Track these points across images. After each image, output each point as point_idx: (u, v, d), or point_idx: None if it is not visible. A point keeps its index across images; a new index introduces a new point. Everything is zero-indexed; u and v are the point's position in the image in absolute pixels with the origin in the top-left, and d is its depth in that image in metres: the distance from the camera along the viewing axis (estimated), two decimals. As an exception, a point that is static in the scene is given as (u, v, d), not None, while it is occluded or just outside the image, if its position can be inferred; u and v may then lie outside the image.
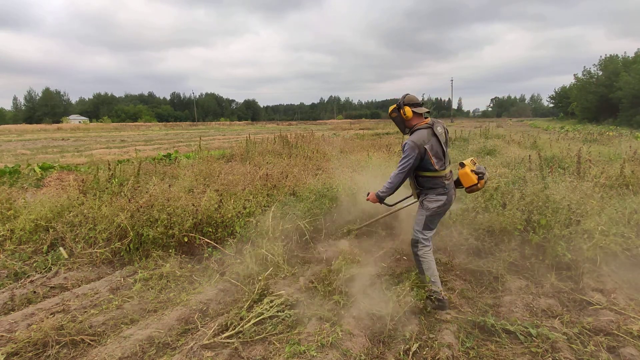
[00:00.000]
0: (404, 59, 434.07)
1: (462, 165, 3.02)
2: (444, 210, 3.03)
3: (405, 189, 3.41)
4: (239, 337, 2.49)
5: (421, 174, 2.96)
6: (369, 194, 3.23)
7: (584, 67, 56.37)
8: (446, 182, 2.96)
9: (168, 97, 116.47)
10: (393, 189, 3.01)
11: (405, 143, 2.88)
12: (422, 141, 2.82)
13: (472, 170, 2.99)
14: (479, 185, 2.99)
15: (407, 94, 2.99)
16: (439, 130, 2.92)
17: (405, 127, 3.03)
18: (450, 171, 3.06)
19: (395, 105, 3.03)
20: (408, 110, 2.93)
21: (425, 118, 3.01)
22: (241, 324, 2.60)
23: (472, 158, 3.17)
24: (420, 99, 3.05)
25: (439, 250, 3.98)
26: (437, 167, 2.87)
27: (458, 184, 3.10)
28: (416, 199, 3.17)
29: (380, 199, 3.10)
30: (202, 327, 2.66)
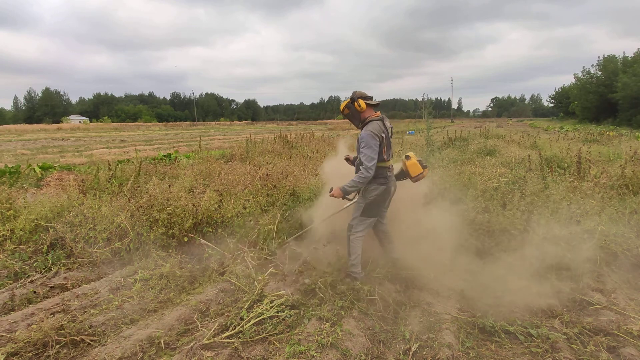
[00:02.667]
0: (406, 59, 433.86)
1: (408, 157, 3.23)
2: (384, 199, 3.18)
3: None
4: (239, 337, 2.49)
5: None
6: (332, 189, 3.18)
7: (583, 67, 56.44)
8: (388, 173, 3.13)
9: (168, 97, 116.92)
10: (363, 183, 3.03)
11: (363, 135, 2.98)
12: (378, 130, 2.99)
13: (417, 161, 3.20)
14: (424, 173, 3.21)
15: (356, 91, 3.17)
16: (387, 124, 3.13)
17: (359, 120, 3.18)
18: (392, 164, 3.23)
19: (347, 101, 3.17)
20: (362, 103, 3.09)
21: (376, 112, 3.17)
22: (241, 324, 2.60)
23: (412, 152, 3.37)
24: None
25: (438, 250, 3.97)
26: (385, 157, 3.06)
27: (403, 175, 3.25)
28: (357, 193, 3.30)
29: (345, 193, 3.10)
30: (202, 327, 2.66)
